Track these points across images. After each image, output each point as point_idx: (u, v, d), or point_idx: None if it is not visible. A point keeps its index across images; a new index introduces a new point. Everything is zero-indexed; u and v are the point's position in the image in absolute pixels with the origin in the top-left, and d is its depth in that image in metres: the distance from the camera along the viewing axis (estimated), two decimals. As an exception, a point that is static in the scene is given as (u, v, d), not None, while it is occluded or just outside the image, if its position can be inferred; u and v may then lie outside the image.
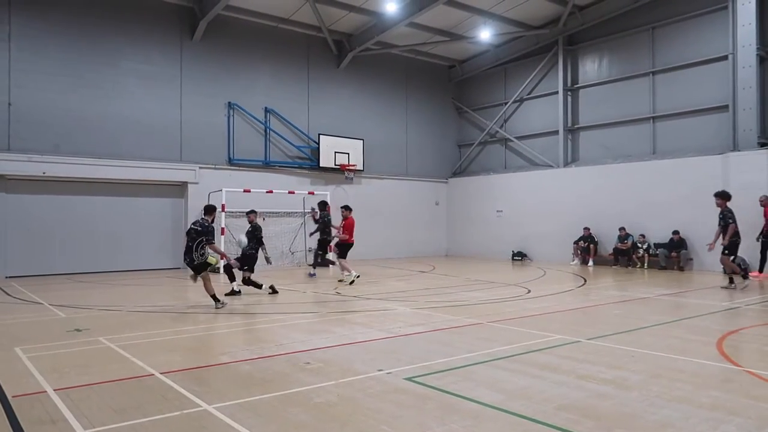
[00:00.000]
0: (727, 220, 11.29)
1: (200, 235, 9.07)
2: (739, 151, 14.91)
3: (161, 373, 5.27)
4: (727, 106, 15.53)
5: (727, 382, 4.96)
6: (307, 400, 4.52)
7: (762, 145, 14.70)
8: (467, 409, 4.27)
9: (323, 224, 14.34)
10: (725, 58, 15.57)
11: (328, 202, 15.51)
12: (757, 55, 14.72)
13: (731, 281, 11.65)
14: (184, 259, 9.35)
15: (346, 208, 13.44)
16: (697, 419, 4.03)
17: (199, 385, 4.94)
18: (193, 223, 9.39)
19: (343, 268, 13.05)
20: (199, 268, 9.21)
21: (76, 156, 15.07)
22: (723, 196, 11.61)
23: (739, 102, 15.03)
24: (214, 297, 9.22)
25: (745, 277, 11.74)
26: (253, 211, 11.66)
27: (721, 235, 11.40)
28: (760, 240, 13.86)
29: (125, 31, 15.99)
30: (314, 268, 14.80)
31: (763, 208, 13.83)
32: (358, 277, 12.77)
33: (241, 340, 6.93)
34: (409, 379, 5.06)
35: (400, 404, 4.38)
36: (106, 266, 15.62)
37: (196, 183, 16.98)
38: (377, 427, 3.92)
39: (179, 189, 17.06)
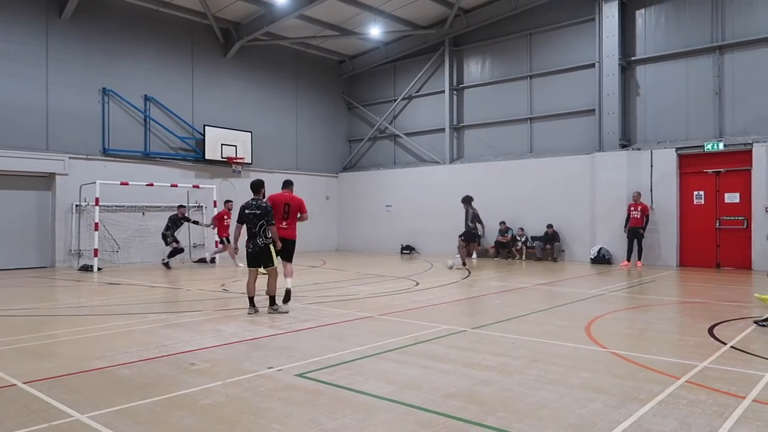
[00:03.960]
0: (476, 217, 15.41)
1: (261, 218, 7.92)
2: (604, 151, 16.32)
3: (25, 383, 4.79)
4: (594, 110, 16.91)
5: (595, 363, 5.41)
6: (193, 402, 4.32)
7: (623, 146, 16.18)
8: (359, 402, 4.30)
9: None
10: (593, 66, 16.93)
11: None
12: (619, 64, 16.14)
13: (464, 263, 15.20)
14: (247, 247, 7.96)
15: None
16: (569, 399, 4.35)
17: (70, 393, 4.54)
18: (247, 207, 8.02)
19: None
20: (268, 255, 8.02)
21: None
22: (469, 200, 15.51)
23: (604, 107, 16.43)
24: (273, 299, 8.16)
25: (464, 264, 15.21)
26: (182, 206, 15.83)
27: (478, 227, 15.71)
28: (626, 232, 15.24)
29: (-21, 4, 14.36)
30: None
31: (633, 204, 15.15)
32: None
33: (118, 342, 6.46)
34: (300, 375, 5.00)
35: (291, 401, 4.32)
36: (-44, 266, 13.98)
37: (66, 174, 15.63)
38: (268, 426, 3.84)
39: (46, 181, 15.62)
